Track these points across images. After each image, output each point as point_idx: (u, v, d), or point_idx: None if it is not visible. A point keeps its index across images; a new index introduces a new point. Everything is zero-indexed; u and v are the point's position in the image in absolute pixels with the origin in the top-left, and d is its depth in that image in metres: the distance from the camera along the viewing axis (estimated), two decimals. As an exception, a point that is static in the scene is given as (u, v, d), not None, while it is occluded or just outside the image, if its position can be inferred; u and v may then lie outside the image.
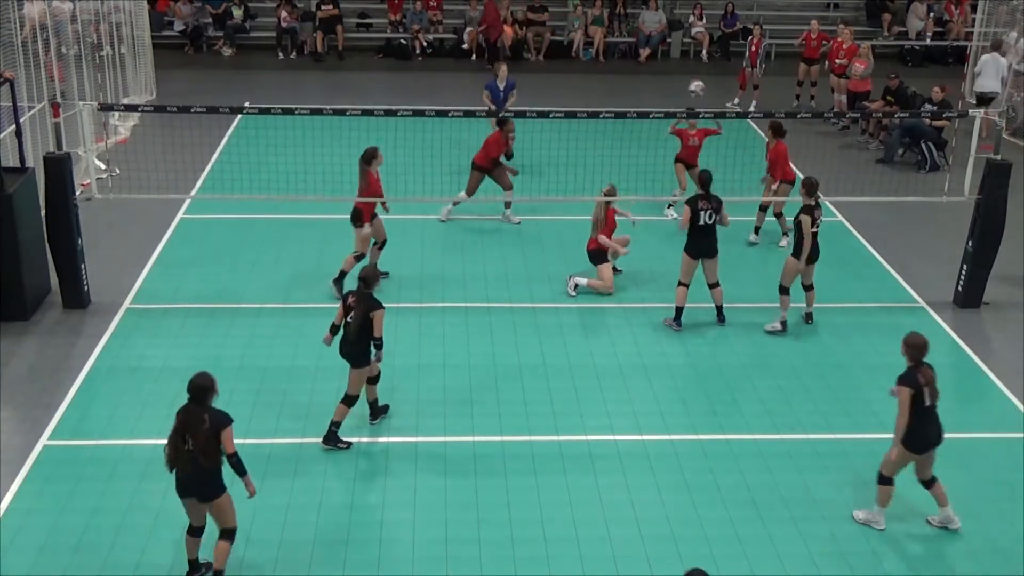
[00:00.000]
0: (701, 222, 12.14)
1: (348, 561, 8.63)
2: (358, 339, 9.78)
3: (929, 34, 26.56)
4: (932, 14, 26.90)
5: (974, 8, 24.87)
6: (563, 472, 9.83)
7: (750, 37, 21.92)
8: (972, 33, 22.63)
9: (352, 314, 9.78)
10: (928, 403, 8.75)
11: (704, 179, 12.31)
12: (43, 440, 10.08)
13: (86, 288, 12.70)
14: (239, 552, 8.59)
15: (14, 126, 13.08)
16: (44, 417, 10.44)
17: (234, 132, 19.00)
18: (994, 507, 9.53)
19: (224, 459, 7.90)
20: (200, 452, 7.76)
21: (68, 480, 9.51)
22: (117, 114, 18.28)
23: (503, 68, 17.23)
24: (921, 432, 8.84)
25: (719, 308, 12.61)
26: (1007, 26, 21.80)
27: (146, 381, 11.13)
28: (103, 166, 15.50)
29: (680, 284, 12.39)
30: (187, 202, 15.64)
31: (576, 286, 13.30)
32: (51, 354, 11.70)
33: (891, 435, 10.59)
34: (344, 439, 10.07)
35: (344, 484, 9.49)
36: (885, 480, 9.04)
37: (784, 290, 12.24)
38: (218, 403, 10.52)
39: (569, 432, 10.48)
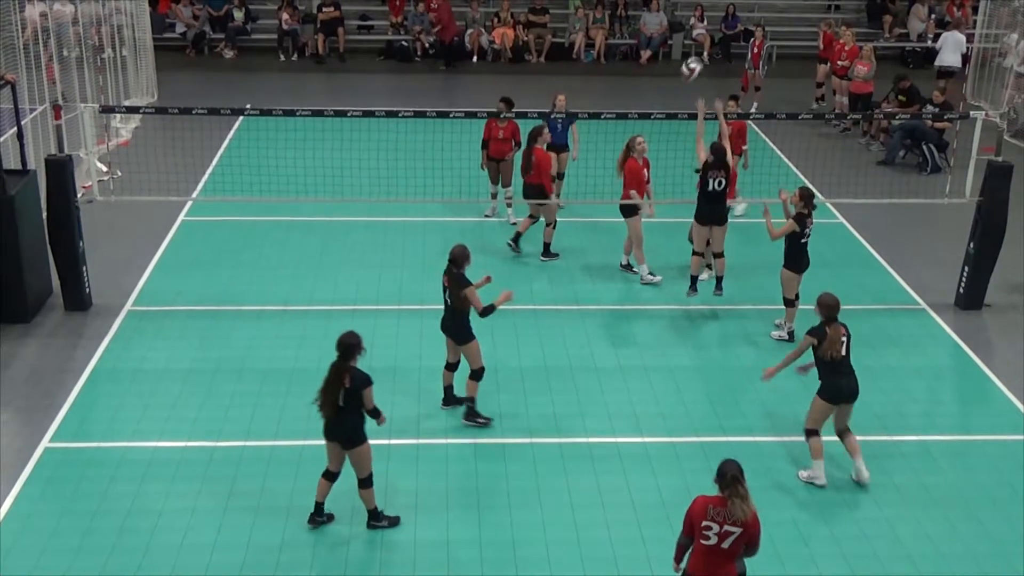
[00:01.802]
0: (710, 188, 12.51)
1: (349, 561, 8.64)
2: (454, 316, 10.24)
3: (930, 36, 26.54)
4: (933, 16, 26.90)
5: (975, 10, 24.87)
6: (564, 473, 9.83)
7: (752, 39, 21.96)
8: (973, 35, 22.63)
9: (447, 293, 10.28)
10: (828, 358, 9.44)
11: (718, 151, 12.53)
12: (44, 443, 10.08)
13: (87, 290, 12.71)
14: (240, 554, 8.62)
15: (16, 128, 13.10)
16: (45, 419, 10.44)
17: (235, 134, 19.01)
18: (995, 508, 9.52)
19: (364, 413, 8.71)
20: (328, 404, 8.59)
21: (69, 483, 9.51)
22: (118, 116, 18.27)
23: (561, 98, 15.42)
24: (832, 384, 9.53)
25: (719, 279, 12.87)
26: (1008, 28, 21.80)
27: (147, 383, 11.13)
28: (104, 168, 15.49)
29: (695, 254, 12.87)
30: (188, 204, 15.65)
31: (628, 265, 13.96)
32: (52, 356, 11.70)
33: (890, 436, 10.62)
34: (483, 415, 10.51)
35: (345, 485, 9.47)
36: (810, 433, 9.73)
37: (789, 302, 12.23)
38: (218, 405, 10.72)
39: (570, 434, 10.48)
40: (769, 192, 15.12)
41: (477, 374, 10.43)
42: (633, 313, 13.07)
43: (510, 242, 14.52)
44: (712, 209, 12.62)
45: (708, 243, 12.80)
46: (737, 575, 7.25)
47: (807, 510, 9.43)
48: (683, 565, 7.35)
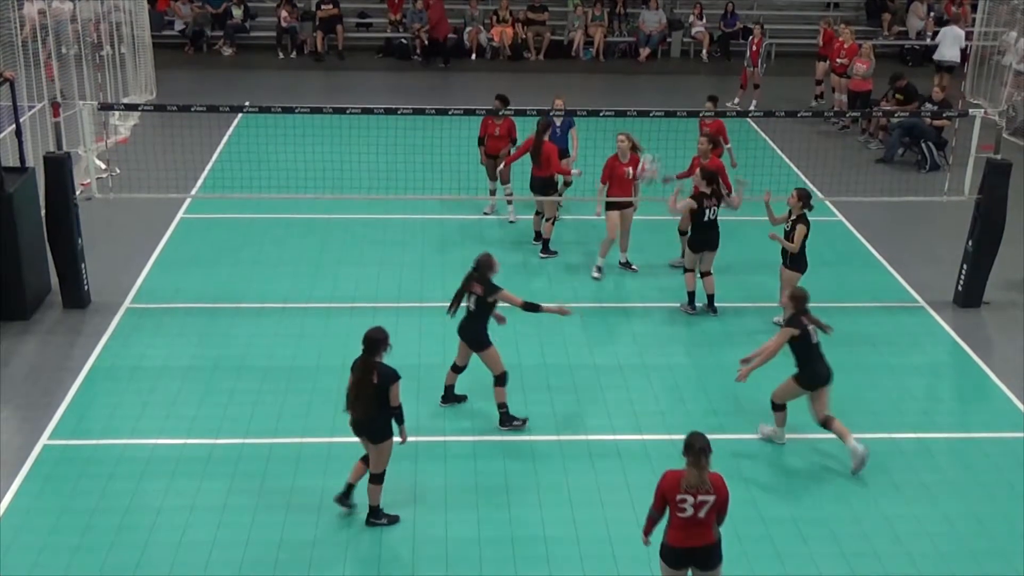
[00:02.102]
0: (705, 218, 12.50)
1: (349, 560, 8.64)
2: (477, 322, 10.24)
3: (929, 33, 26.52)
4: (932, 13, 26.89)
5: (974, 8, 24.87)
6: (563, 471, 9.84)
7: (751, 37, 21.98)
8: (972, 32, 22.65)
9: (472, 299, 10.22)
10: (815, 340, 9.76)
11: (711, 175, 12.53)
12: (43, 440, 10.07)
13: (86, 288, 12.70)
14: (239, 552, 8.62)
15: (14, 126, 13.09)
16: (44, 417, 10.43)
17: (234, 131, 19.00)
18: (994, 507, 9.53)
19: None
20: (362, 402, 8.58)
21: (68, 480, 9.50)
22: (117, 114, 18.27)
23: (559, 102, 14.96)
24: (810, 369, 9.82)
25: (710, 297, 12.88)
26: (1007, 25, 21.81)
27: (146, 381, 11.13)
28: (103, 166, 15.49)
29: (686, 271, 12.90)
30: (187, 201, 15.64)
31: (627, 263, 14.00)
32: (51, 354, 11.70)
33: (888, 434, 10.60)
34: (518, 417, 10.48)
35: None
36: (777, 408, 10.17)
37: None
38: (217, 403, 10.72)
39: (569, 432, 10.48)
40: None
41: (501, 379, 10.38)
42: (632, 311, 13.06)
43: (534, 241, 14.71)
44: (706, 238, 12.62)
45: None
46: (716, 541, 7.45)
47: (806, 509, 9.43)
48: (652, 538, 7.62)
